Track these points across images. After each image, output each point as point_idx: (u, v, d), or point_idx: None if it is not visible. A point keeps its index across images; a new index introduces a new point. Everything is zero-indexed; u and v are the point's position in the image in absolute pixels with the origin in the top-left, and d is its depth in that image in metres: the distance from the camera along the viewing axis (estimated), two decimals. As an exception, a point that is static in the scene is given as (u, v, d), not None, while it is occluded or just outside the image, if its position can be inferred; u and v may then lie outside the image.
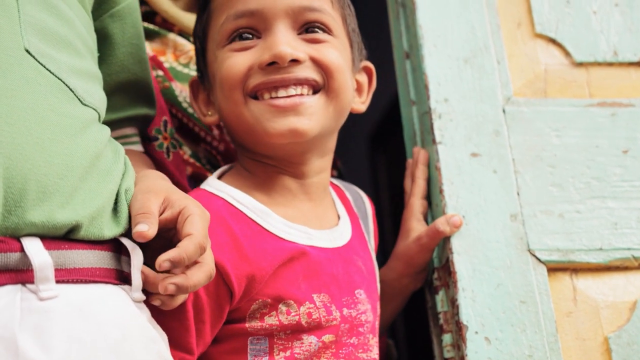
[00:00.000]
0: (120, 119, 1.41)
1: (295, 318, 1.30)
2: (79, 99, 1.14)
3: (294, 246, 1.34)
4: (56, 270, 1.04)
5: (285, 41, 1.33)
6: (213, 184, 1.38)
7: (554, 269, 1.47)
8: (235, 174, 1.42)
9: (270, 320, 1.29)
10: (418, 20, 1.60)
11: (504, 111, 1.56)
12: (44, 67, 1.10)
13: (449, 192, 1.49)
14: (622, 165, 1.54)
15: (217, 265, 1.23)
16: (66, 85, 1.12)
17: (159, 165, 1.51)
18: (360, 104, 1.48)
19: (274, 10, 1.35)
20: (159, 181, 1.24)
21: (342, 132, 1.89)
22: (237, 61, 1.34)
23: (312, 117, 1.34)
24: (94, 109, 1.17)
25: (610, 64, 1.64)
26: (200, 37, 1.45)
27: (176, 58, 1.65)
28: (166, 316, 1.20)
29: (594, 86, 1.62)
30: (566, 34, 1.65)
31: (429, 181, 1.55)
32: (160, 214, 1.14)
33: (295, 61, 1.33)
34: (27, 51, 1.09)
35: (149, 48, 1.60)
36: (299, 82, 1.34)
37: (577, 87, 1.62)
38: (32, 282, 1.02)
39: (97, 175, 1.12)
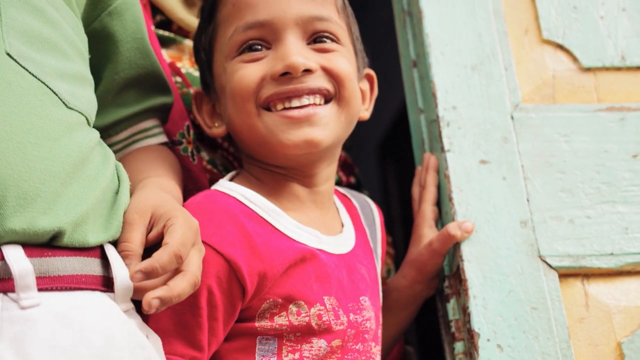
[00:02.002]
0: (136, 112, 1.40)
1: (305, 319, 1.30)
2: (64, 102, 1.12)
3: (304, 247, 1.34)
4: (38, 278, 1.02)
5: (297, 51, 1.34)
6: (225, 184, 1.38)
7: (565, 274, 1.47)
8: (244, 179, 1.42)
9: (280, 321, 1.29)
10: (425, 28, 1.60)
11: (512, 118, 1.56)
12: (27, 70, 1.09)
13: (459, 200, 1.49)
14: (631, 169, 1.54)
15: (230, 262, 1.24)
16: (50, 88, 1.11)
17: (185, 169, 1.51)
18: (364, 111, 1.49)
19: (283, 20, 1.36)
20: (152, 194, 1.22)
21: (352, 141, 1.90)
22: (248, 72, 1.34)
23: (326, 127, 1.35)
24: (80, 112, 1.15)
25: (618, 69, 1.64)
26: (206, 49, 1.45)
27: (192, 64, 1.66)
28: (179, 313, 1.20)
29: (602, 91, 1.62)
30: (573, 40, 1.65)
31: (438, 189, 1.55)
32: (150, 230, 1.14)
33: (307, 71, 1.34)
34: (9, 54, 1.08)
35: (166, 55, 1.61)
36: (312, 92, 1.35)
37: (585, 92, 1.62)
38: (13, 290, 1.00)
39: (83, 180, 1.10)
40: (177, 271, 1.10)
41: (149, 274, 1.06)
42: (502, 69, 1.59)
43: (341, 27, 1.41)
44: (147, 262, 1.06)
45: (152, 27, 1.62)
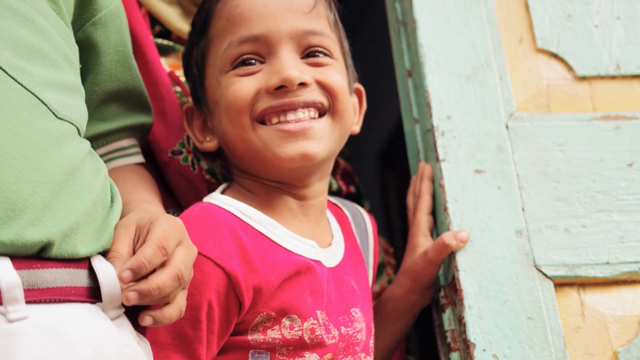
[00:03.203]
0: (116, 129, 1.39)
1: (298, 333, 1.30)
2: (53, 113, 1.12)
3: (301, 260, 1.34)
4: (27, 290, 1.01)
5: (292, 65, 1.34)
6: (219, 198, 1.38)
7: (561, 284, 1.47)
8: (236, 192, 1.42)
9: (273, 334, 1.29)
10: (419, 38, 1.60)
11: (507, 127, 1.56)
12: (15, 80, 1.08)
13: (454, 210, 1.48)
14: (627, 178, 1.54)
15: (229, 276, 1.24)
16: (39, 98, 1.10)
17: (185, 179, 1.52)
18: (355, 125, 1.49)
19: (278, 34, 1.36)
20: (136, 210, 1.23)
21: (351, 151, 1.89)
22: (243, 86, 1.35)
23: (321, 141, 1.35)
24: (70, 122, 1.15)
25: (613, 77, 1.64)
26: (198, 63, 1.44)
27: None
28: (178, 326, 1.20)
29: (597, 100, 1.62)
30: (568, 49, 1.65)
31: (433, 198, 1.55)
32: (136, 243, 1.13)
33: (302, 84, 1.34)
34: None
35: (166, 64, 1.61)
36: (307, 105, 1.35)
37: (580, 101, 1.62)
38: (0, 303, 0.99)
39: (73, 191, 1.09)
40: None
41: (136, 270, 1.05)
42: (497, 78, 1.59)
43: (333, 41, 1.42)
44: (132, 259, 1.06)
45: (151, 37, 1.63)
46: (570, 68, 1.64)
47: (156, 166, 1.55)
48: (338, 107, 1.38)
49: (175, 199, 1.55)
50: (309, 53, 1.39)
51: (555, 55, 1.64)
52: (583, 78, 1.64)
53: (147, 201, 1.32)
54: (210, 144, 1.44)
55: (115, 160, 1.41)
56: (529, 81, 1.62)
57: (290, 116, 1.34)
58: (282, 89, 1.34)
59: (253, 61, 1.37)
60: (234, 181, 1.46)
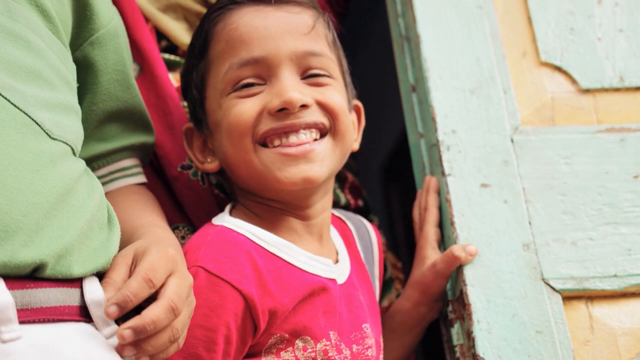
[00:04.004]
0: (116, 149, 1.39)
1: (311, 355, 1.30)
2: (47, 133, 1.11)
3: (316, 279, 1.35)
4: (20, 310, 1.01)
5: (293, 87, 1.35)
6: (230, 220, 1.38)
7: (569, 297, 1.46)
8: (242, 214, 1.42)
9: (286, 356, 1.29)
10: (423, 53, 1.61)
11: (512, 141, 1.56)
12: (8, 100, 1.08)
13: (460, 224, 1.48)
14: (633, 190, 1.54)
15: (246, 299, 1.25)
16: (32, 119, 1.10)
17: (195, 194, 1.52)
18: (354, 142, 1.50)
19: (278, 57, 1.36)
20: (146, 235, 1.22)
21: (357, 164, 1.89)
22: (245, 108, 1.35)
23: (323, 163, 1.36)
24: (64, 142, 1.15)
25: (617, 90, 1.64)
26: (198, 85, 1.44)
27: None
28: (191, 346, 1.20)
29: (602, 112, 1.62)
30: (571, 62, 1.65)
31: (440, 212, 1.55)
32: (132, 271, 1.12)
33: (303, 106, 1.35)
34: None
35: (173, 79, 1.62)
36: (309, 127, 1.36)
37: (584, 114, 1.62)
38: None
39: (67, 211, 1.09)
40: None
41: (122, 304, 1.04)
42: (501, 92, 1.60)
43: (333, 61, 1.43)
44: (118, 293, 1.05)
45: (158, 52, 1.63)
46: (574, 81, 1.64)
47: (164, 180, 1.55)
48: (339, 127, 1.39)
49: (184, 213, 1.55)
50: (309, 74, 1.39)
51: (559, 69, 1.65)
52: (587, 91, 1.64)
53: (157, 225, 1.32)
54: (211, 165, 1.44)
55: (117, 181, 1.41)
56: (533, 94, 1.62)
57: (292, 138, 1.34)
58: (283, 111, 1.34)
59: (254, 83, 1.37)
60: (237, 202, 1.46)
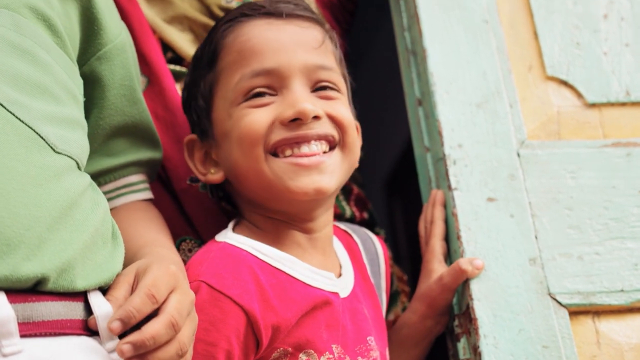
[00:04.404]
0: (123, 164, 1.39)
1: None
2: (52, 147, 1.12)
3: (319, 293, 1.35)
4: (22, 324, 1.01)
5: (305, 98, 1.36)
6: (233, 237, 1.38)
7: (576, 312, 1.46)
8: (246, 229, 1.42)
9: None
10: (429, 67, 1.61)
11: (518, 155, 1.56)
12: (13, 115, 1.08)
13: (467, 238, 1.48)
14: (639, 205, 1.53)
15: (248, 315, 1.25)
16: (37, 133, 1.10)
17: (204, 208, 1.53)
18: None
19: (290, 68, 1.37)
20: (148, 255, 1.22)
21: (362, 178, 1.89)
22: (257, 117, 1.35)
23: (333, 175, 1.37)
24: (69, 156, 1.15)
25: (623, 104, 1.64)
26: (205, 95, 1.44)
27: None
28: None
29: (608, 126, 1.62)
30: (577, 76, 1.65)
31: (446, 226, 1.55)
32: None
33: (315, 117, 1.36)
34: None
35: (180, 90, 1.62)
36: (320, 138, 1.36)
37: (590, 128, 1.62)
38: None
39: (70, 225, 1.09)
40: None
41: (125, 319, 1.04)
42: (507, 106, 1.60)
43: (340, 77, 1.44)
44: (121, 309, 1.05)
45: (165, 63, 1.64)
46: (580, 95, 1.64)
47: (172, 193, 1.56)
48: (347, 140, 1.40)
49: (192, 225, 1.55)
50: (318, 87, 1.41)
51: (565, 83, 1.65)
52: (593, 105, 1.64)
53: (161, 244, 1.32)
54: (215, 176, 1.44)
55: (123, 197, 1.41)
56: (539, 109, 1.63)
57: (304, 149, 1.35)
58: (296, 121, 1.35)
59: (265, 94, 1.38)
60: (241, 217, 1.46)
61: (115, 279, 1.14)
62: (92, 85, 1.33)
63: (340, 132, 1.39)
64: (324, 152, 1.37)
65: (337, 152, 1.39)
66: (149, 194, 1.45)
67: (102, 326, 1.08)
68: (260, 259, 1.34)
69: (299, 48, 1.40)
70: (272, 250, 1.36)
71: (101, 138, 1.36)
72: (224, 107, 1.40)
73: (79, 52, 1.31)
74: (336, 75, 1.43)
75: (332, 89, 1.42)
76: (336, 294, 1.39)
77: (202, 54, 1.48)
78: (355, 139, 1.42)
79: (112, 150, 1.37)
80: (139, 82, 1.43)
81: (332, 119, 1.38)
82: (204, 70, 1.45)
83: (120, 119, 1.37)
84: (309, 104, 1.35)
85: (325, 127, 1.37)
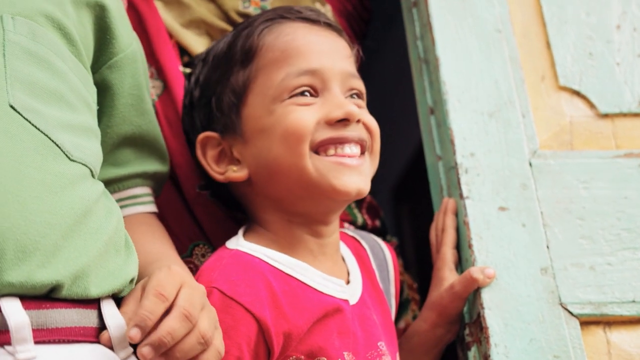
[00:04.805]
0: (129, 175, 1.39)
1: None
2: (67, 155, 1.12)
3: (331, 300, 1.36)
4: (36, 330, 1.02)
5: (348, 101, 1.41)
6: (244, 244, 1.39)
7: (587, 322, 1.46)
8: (255, 235, 1.43)
9: None
10: (442, 76, 1.61)
11: (530, 164, 1.56)
12: (30, 122, 1.09)
13: (478, 247, 1.48)
14: (652, 216, 1.54)
15: (259, 322, 1.25)
16: (52, 140, 1.11)
17: (214, 216, 1.53)
18: None
19: (332, 71, 1.42)
20: (145, 273, 1.22)
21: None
22: (304, 115, 1.38)
23: (367, 178, 1.41)
24: (83, 164, 1.16)
25: (635, 115, 1.64)
26: (237, 91, 1.44)
27: None
28: None
29: (620, 137, 1.62)
30: (590, 86, 1.65)
31: (457, 235, 1.55)
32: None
33: (357, 121, 1.40)
34: (12, 107, 1.08)
35: None
36: (358, 142, 1.40)
37: (603, 138, 1.62)
38: (9, 343, 1.00)
39: (85, 233, 1.10)
40: None
41: (141, 323, 1.05)
42: (520, 116, 1.60)
43: (364, 88, 1.48)
44: (135, 316, 1.06)
45: (180, 68, 1.64)
46: (593, 105, 1.64)
47: (185, 198, 1.56)
48: (375, 147, 1.45)
49: (203, 231, 1.55)
50: (350, 94, 1.45)
51: (577, 93, 1.65)
52: (605, 115, 1.64)
53: (167, 258, 1.32)
54: (237, 173, 1.43)
55: (127, 208, 1.40)
56: (552, 119, 1.63)
57: (347, 149, 1.39)
58: (341, 122, 1.39)
59: (307, 94, 1.40)
60: (252, 222, 1.46)
61: (122, 299, 1.15)
62: (102, 94, 1.34)
63: (370, 138, 1.43)
64: (358, 157, 1.40)
65: (367, 156, 1.43)
66: (153, 207, 1.45)
67: (114, 335, 1.09)
68: (273, 266, 1.35)
69: (337, 54, 1.45)
70: (283, 257, 1.37)
71: (108, 147, 1.36)
72: (263, 104, 1.41)
73: (92, 61, 1.32)
74: (362, 85, 1.47)
75: (359, 97, 1.46)
76: (346, 301, 1.39)
77: (232, 51, 1.47)
78: (379, 147, 1.46)
79: (118, 160, 1.37)
80: (148, 93, 1.44)
81: (365, 125, 1.43)
82: (236, 67, 1.45)
83: (128, 128, 1.38)
84: (354, 107, 1.40)
85: (362, 132, 1.41)
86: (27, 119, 1.09)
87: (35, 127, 1.10)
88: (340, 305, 1.37)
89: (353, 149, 1.39)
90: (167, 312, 1.08)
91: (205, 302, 1.15)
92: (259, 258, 1.35)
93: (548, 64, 1.67)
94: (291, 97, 1.40)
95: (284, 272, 1.35)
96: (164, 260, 1.29)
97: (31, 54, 1.15)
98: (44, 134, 1.11)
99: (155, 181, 1.45)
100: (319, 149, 1.38)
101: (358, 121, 1.40)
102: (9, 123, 1.07)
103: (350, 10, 1.87)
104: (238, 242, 1.40)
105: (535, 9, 1.71)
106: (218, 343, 1.13)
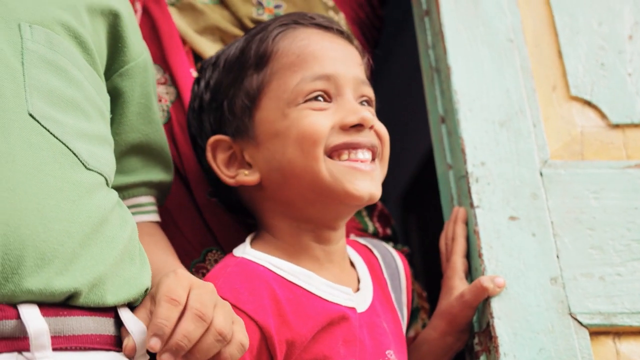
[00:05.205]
0: (135, 183, 1.40)
1: None
2: (83, 164, 1.14)
3: (336, 308, 1.35)
4: (54, 337, 1.03)
5: (362, 107, 1.43)
6: (250, 252, 1.39)
7: (597, 332, 1.45)
8: (262, 243, 1.43)
9: None
10: (453, 85, 1.62)
11: (541, 174, 1.56)
12: (48, 130, 1.10)
13: (488, 256, 1.48)
14: (662, 227, 1.53)
15: (263, 330, 1.25)
16: (70, 149, 1.12)
17: (224, 221, 1.55)
18: None
19: (346, 77, 1.43)
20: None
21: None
22: (319, 119, 1.39)
23: (378, 184, 1.43)
24: (99, 173, 1.17)
25: (647, 126, 1.64)
26: (251, 94, 1.44)
27: None
28: None
29: (631, 148, 1.62)
30: (601, 96, 1.65)
31: (467, 244, 1.55)
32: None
33: (370, 127, 1.42)
34: (31, 115, 1.09)
35: None
36: (369, 148, 1.42)
37: (614, 149, 1.62)
38: (28, 349, 1.01)
39: (101, 241, 1.11)
40: None
41: (158, 332, 1.05)
42: (531, 126, 1.60)
43: (374, 95, 1.49)
44: (151, 325, 1.07)
45: (193, 73, 1.65)
46: (604, 116, 1.64)
47: (196, 204, 1.56)
48: (385, 154, 1.46)
49: (214, 237, 1.56)
50: (361, 100, 1.46)
51: (588, 103, 1.65)
52: (616, 126, 1.64)
53: (169, 268, 1.31)
54: (249, 177, 1.43)
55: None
56: (563, 128, 1.63)
57: (360, 154, 1.40)
58: (355, 127, 1.40)
59: (321, 99, 1.41)
60: (260, 229, 1.47)
61: (134, 310, 1.16)
62: (113, 101, 1.35)
63: (380, 145, 1.44)
64: (370, 162, 1.42)
65: (377, 162, 1.44)
66: (156, 217, 1.46)
67: (138, 340, 1.10)
68: (278, 274, 1.35)
69: (350, 61, 1.46)
70: (288, 265, 1.37)
71: (116, 155, 1.36)
72: (277, 107, 1.42)
73: (104, 69, 1.33)
74: (372, 92, 1.48)
75: (370, 104, 1.47)
76: (353, 308, 1.39)
77: (246, 55, 1.47)
78: (388, 153, 1.47)
79: (125, 167, 1.38)
80: (156, 102, 1.45)
81: (376, 132, 1.44)
82: (250, 70, 1.46)
83: (135, 136, 1.39)
84: (368, 113, 1.41)
85: (373, 138, 1.43)
86: (45, 127, 1.11)
87: (54, 135, 1.11)
88: (346, 313, 1.36)
89: (365, 155, 1.40)
90: (182, 316, 1.09)
91: (217, 299, 1.15)
92: (263, 266, 1.36)
93: (559, 73, 1.67)
94: (306, 101, 1.41)
95: (288, 281, 1.35)
96: (167, 271, 1.29)
97: (49, 63, 1.16)
98: (62, 142, 1.12)
99: (159, 190, 1.46)
100: (332, 153, 1.39)
101: (371, 127, 1.41)
102: (28, 131, 1.09)
103: (363, 19, 1.88)
104: (244, 250, 1.40)
105: (547, 19, 1.71)
106: (240, 336, 1.13)
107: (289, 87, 1.41)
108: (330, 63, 1.43)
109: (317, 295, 1.35)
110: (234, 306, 1.24)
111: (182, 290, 1.10)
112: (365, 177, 1.39)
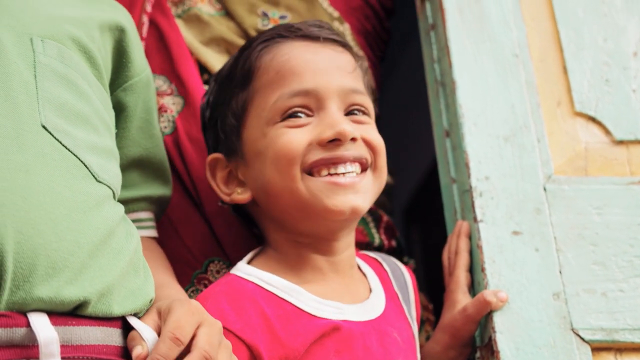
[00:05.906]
0: (135, 198, 1.41)
1: None
2: (94, 176, 1.15)
3: (326, 322, 1.35)
4: (62, 346, 1.03)
5: (343, 120, 1.39)
6: (243, 268, 1.40)
7: (598, 348, 1.45)
8: (264, 258, 1.44)
9: None
10: (458, 99, 1.62)
11: (544, 189, 1.56)
12: (60, 142, 1.12)
13: (491, 271, 1.48)
14: (665, 244, 1.54)
15: (251, 348, 1.25)
16: (81, 161, 1.14)
17: (236, 230, 1.55)
18: None
19: (328, 90, 1.40)
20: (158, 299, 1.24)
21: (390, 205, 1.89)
22: (295, 137, 1.37)
23: (366, 195, 1.39)
24: (108, 185, 1.18)
25: (651, 142, 1.64)
26: (237, 113, 1.45)
27: None
28: None
29: (635, 164, 1.62)
30: (606, 113, 1.66)
31: (470, 258, 1.55)
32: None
33: (352, 139, 1.38)
34: (44, 127, 1.11)
35: None
36: (355, 160, 1.39)
37: (618, 165, 1.62)
38: (37, 357, 1.01)
39: (108, 253, 1.12)
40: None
41: None
42: (535, 141, 1.60)
43: (370, 102, 1.47)
44: (149, 358, 1.07)
45: (202, 87, 1.65)
46: (608, 132, 1.65)
47: (202, 213, 1.57)
48: (379, 164, 1.43)
49: (221, 247, 1.56)
50: (351, 110, 1.43)
51: (593, 119, 1.65)
52: (621, 142, 1.64)
53: (167, 285, 1.34)
54: (241, 196, 1.45)
55: None
56: (567, 144, 1.63)
57: (340, 169, 1.37)
58: (334, 142, 1.37)
59: (301, 114, 1.40)
60: (264, 243, 1.47)
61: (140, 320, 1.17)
62: (116, 116, 1.36)
63: (372, 155, 1.42)
64: (357, 175, 1.39)
65: (369, 173, 1.41)
66: (155, 233, 1.47)
67: (151, 347, 1.10)
68: (267, 290, 1.35)
69: (336, 71, 1.43)
70: (279, 280, 1.37)
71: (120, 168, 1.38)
72: (258, 126, 1.42)
73: (109, 83, 1.34)
74: (367, 100, 1.46)
75: (364, 113, 1.45)
76: (345, 321, 1.37)
77: (233, 72, 1.48)
78: (385, 162, 1.45)
79: (125, 182, 1.38)
80: (157, 118, 1.47)
81: (366, 142, 1.41)
82: (236, 89, 1.46)
83: (137, 150, 1.40)
84: (348, 125, 1.37)
85: (360, 150, 1.40)
86: (57, 139, 1.12)
87: (66, 147, 1.13)
88: (338, 324, 1.35)
89: (348, 168, 1.38)
90: (186, 350, 1.10)
91: (221, 338, 1.17)
92: (253, 283, 1.35)
93: (564, 89, 1.68)
94: (284, 119, 1.39)
95: (278, 297, 1.35)
96: (165, 288, 1.31)
97: (60, 76, 1.18)
98: (74, 154, 1.13)
99: (158, 205, 1.48)
100: (312, 170, 1.37)
101: (354, 139, 1.39)
102: (41, 143, 1.10)
103: (370, 30, 1.88)
104: (237, 266, 1.41)
105: (553, 35, 1.72)
106: None
107: (267, 105, 1.41)
108: (310, 77, 1.40)
109: (304, 311, 1.35)
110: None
111: (190, 328, 1.11)
112: (347, 191, 1.37)
